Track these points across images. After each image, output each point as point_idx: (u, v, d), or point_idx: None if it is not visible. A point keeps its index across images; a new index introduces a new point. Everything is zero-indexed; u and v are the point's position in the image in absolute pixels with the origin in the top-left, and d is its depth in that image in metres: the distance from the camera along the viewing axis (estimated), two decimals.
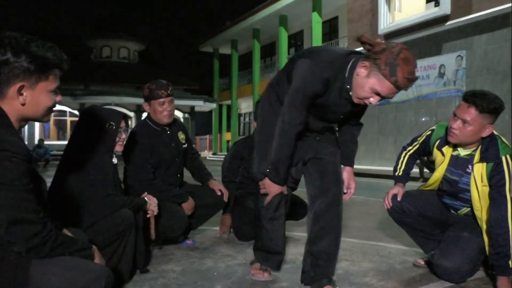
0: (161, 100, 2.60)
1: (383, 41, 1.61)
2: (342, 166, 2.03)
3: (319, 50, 1.83)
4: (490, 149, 1.99)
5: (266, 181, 1.86)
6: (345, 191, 2.00)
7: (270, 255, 2.05)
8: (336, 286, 1.91)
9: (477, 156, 2.03)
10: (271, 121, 1.87)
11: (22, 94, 1.20)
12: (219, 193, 2.83)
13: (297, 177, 2.00)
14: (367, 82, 1.62)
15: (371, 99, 1.64)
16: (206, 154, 24.27)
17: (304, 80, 1.72)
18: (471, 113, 1.94)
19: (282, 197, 1.93)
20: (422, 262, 2.37)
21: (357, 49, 1.83)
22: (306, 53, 1.81)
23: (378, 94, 1.62)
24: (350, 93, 1.71)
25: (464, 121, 1.96)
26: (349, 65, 1.70)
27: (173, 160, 2.73)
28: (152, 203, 2.18)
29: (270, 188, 1.87)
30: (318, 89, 1.71)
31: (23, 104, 1.21)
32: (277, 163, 1.81)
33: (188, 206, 2.63)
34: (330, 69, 1.70)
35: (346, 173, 2.02)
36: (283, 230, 2.03)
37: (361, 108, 1.90)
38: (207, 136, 26.93)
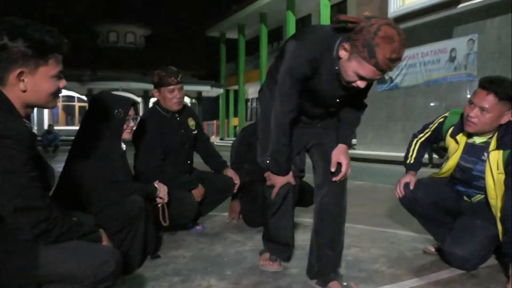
0: (171, 87, 2.59)
1: (366, 18, 1.45)
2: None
3: (306, 31, 1.72)
4: (506, 136, 1.95)
5: (270, 173, 1.82)
6: (332, 169, 1.81)
7: (279, 246, 2.02)
8: (343, 281, 1.86)
9: (493, 144, 1.99)
10: (271, 108, 1.79)
11: (22, 80, 1.17)
12: (236, 181, 2.84)
13: (301, 166, 1.94)
14: (349, 66, 1.51)
15: (358, 83, 1.53)
16: (214, 139, 24.31)
17: (289, 63, 1.64)
18: (490, 101, 1.90)
19: (289, 187, 1.88)
20: (433, 249, 2.36)
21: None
22: (295, 35, 1.72)
23: (362, 77, 1.51)
24: (339, 74, 1.60)
25: (483, 109, 1.91)
26: (336, 45, 1.57)
27: (183, 146, 2.73)
28: (162, 190, 2.18)
29: (275, 179, 1.82)
30: (305, 70, 1.62)
31: (24, 91, 1.18)
32: (275, 153, 1.75)
33: (198, 192, 2.64)
34: (316, 49, 1.59)
35: (336, 150, 1.83)
36: (291, 222, 1.99)
37: (362, 90, 1.71)
38: (214, 122, 26.94)
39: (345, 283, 1.84)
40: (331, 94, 1.73)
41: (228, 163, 3.05)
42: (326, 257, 1.85)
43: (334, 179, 1.83)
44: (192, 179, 2.69)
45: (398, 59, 1.44)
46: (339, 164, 1.83)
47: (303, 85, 1.67)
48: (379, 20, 1.44)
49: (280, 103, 1.70)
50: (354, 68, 1.50)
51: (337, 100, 1.77)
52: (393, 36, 1.41)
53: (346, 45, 1.50)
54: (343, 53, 1.52)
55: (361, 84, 1.54)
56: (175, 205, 2.43)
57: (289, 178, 1.85)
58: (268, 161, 1.79)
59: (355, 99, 1.84)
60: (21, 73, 1.16)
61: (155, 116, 2.66)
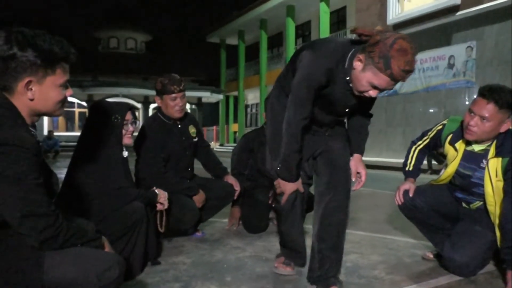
0: (173, 95, 2.62)
1: (380, 32, 1.55)
2: (351, 154, 1.99)
3: (321, 41, 1.81)
4: (506, 144, 1.97)
5: (280, 180, 1.84)
6: (353, 179, 1.93)
7: (293, 252, 2.08)
8: (342, 286, 1.88)
9: (492, 151, 2.01)
10: (280, 116, 1.84)
11: (30, 89, 1.19)
12: (237, 188, 2.87)
13: (310, 173, 1.98)
14: (363, 76, 1.58)
15: (370, 92, 1.61)
16: (213, 145, 24.30)
17: (306, 73, 1.69)
18: (490, 109, 1.91)
19: (297, 194, 1.90)
20: (431, 256, 2.37)
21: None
22: (309, 46, 1.78)
23: (375, 87, 1.59)
24: (351, 85, 1.67)
25: (483, 118, 1.93)
26: (348, 56, 1.66)
27: (184, 153, 2.75)
28: (162, 196, 2.19)
29: (285, 186, 1.84)
30: (321, 80, 1.68)
31: (32, 99, 1.20)
32: (286, 160, 1.78)
33: (199, 198, 2.66)
34: (332, 59, 1.66)
35: (353, 160, 1.96)
36: (301, 230, 2.04)
37: (370, 100, 1.83)
38: (214, 127, 26.98)
39: None
40: (342, 103, 1.80)
41: (229, 169, 3.06)
42: (329, 261, 1.88)
43: (354, 188, 1.92)
44: (193, 185, 2.70)
45: (411, 71, 1.53)
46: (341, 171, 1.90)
47: (316, 93, 1.72)
48: (394, 34, 1.53)
49: (294, 111, 1.73)
50: (368, 78, 1.57)
51: (347, 109, 1.85)
52: (407, 49, 1.50)
53: (361, 56, 1.58)
54: (357, 64, 1.60)
55: (373, 93, 1.62)
56: (176, 211, 2.44)
57: (298, 185, 1.87)
58: (278, 168, 1.82)
59: (363, 108, 1.92)
60: (29, 82, 1.19)
61: (157, 123, 2.68)
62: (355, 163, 1.95)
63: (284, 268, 2.06)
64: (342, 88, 1.72)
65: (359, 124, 1.99)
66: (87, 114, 2.14)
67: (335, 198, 1.88)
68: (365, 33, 1.55)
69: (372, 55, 1.52)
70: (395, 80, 1.54)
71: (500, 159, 1.97)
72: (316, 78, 1.68)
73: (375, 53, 1.51)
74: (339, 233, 1.90)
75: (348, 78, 1.66)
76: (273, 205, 2.03)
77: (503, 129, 1.96)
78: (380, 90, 1.60)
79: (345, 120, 2.03)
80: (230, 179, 2.90)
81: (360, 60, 1.58)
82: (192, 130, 2.84)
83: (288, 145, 1.77)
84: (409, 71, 1.52)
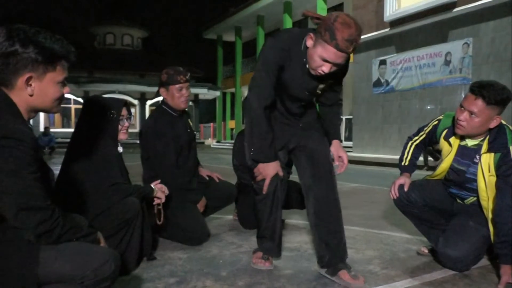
0: (179, 85, 2.63)
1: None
2: (329, 141, 2.08)
3: (283, 30, 1.95)
4: (498, 139, 1.98)
5: (259, 165, 1.89)
6: (336, 163, 2.03)
7: (271, 243, 2.06)
8: (351, 270, 1.93)
9: (484, 146, 2.02)
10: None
11: (30, 85, 1.22)
12: (207, 178, 2.91)
13: (284, 160, 2.05)
14: (314, 52, 1.71)
15: (323, 68, 1.71)
16: (210, 142, 24.31)
17: (263, 55, 1.83)
18: (478, 105, 1.92)
19: (277, 181, 1.95)
20: (426, 251, 2.38)
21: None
22: (271, 35, 1.90)
23: (326, 61, 1.69)
24: (307, 66, 1.79)
25: (471, 113, 1.94)
26: (304, 39, 1.79)
27: (190, 145, 2.78)
28: (159, 191, 2.19)
29: (265, 170, 1.89)
30: (276, 59, 1.80)
31: (31, 95, 1.23)
32: (258, 142, 1.85)
33: (201, 204, 2.70)
34: (287, 42, 1.81)
35: (333, 146, 2.06)
36: (280, 216, 2.05)
37: (335, 83, 1.96)
38: (211, 124, 26.94)
39: (353, 273, 1.91)
40: (302, 86, 1.89)
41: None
42: (333, 247, 1.96)
43: (339, 171, 2.02)
44: (197, 191, 2.71)
45: (355, 41, 1.64)
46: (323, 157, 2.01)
47: (276, 76, 1.83)
48: (338, 12, 1.70)
49: (255, 94, 1.85)
50: (319, 52, 1.70)
51: (307, 92, 1.93)
52: (351, 24, 1.64)
53: (312, 34, 1.74)
54: (309, 42, 1.75)
55: (325, 68, 1.72)
56: (188, 226, 2.51)
57: (278, 167, 1.92)
58: (252, 152, 1.87)
59: (329, 91, 2.01)
60: (29, 78, 1.21)
61: (165, 115, 2.68)
62: (335, 148, 2.06)
63: (263, 264, 2.08)
64: (299, 70, 1.83)
65: (332, 113, 2.10)
66: (81, 110, 2.13)
67: (322, 190, 1.96)
68: (315, 16, 1.70)
69: (320, 30, 1.67)
70: (340, 50, 1.64)
71: (492, 154, 1.99)
72: (271, 58, 1.81)
73: (321, 27, 1.66)
74: (332, 215, 1.97)
75: (304, 59, 1.79)
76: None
77: (492, 125, 1.97)
78: (332, 64, 1.70)
79: (313, 108, 2.12)
80: (203, 172, 2.93)
81: (311, 38, 1.73)
82: (190, 123, 2.88)
83: (256, 126, 1.85)
84: (353, 41, 1.63)
